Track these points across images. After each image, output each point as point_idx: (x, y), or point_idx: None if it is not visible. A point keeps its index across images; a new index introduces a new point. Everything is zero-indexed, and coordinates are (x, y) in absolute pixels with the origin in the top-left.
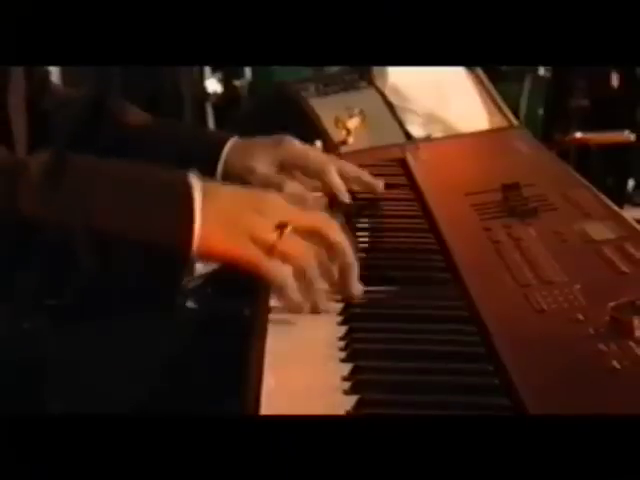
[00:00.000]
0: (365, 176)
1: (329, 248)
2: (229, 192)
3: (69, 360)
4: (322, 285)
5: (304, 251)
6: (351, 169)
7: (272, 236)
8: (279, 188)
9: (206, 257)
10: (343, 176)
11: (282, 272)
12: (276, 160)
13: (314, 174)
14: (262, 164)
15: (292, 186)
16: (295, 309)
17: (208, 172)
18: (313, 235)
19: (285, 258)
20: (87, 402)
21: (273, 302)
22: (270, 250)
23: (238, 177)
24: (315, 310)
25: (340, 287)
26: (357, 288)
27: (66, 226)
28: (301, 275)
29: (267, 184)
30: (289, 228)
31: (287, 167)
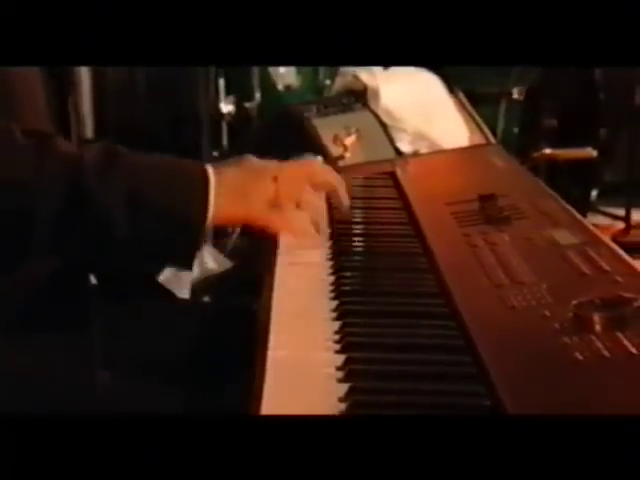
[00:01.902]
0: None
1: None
2: (234, 170)
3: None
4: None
5: (301, 188)
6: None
7: (271, 187)
8: None
9: (223, 221)
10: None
11: (283, 221)
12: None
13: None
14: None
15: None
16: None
17: None
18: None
19: (287, 198)
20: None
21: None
22: (274, 199)
23: None
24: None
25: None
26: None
27: (111, 200)
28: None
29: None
30: (281, 177)
31: None
